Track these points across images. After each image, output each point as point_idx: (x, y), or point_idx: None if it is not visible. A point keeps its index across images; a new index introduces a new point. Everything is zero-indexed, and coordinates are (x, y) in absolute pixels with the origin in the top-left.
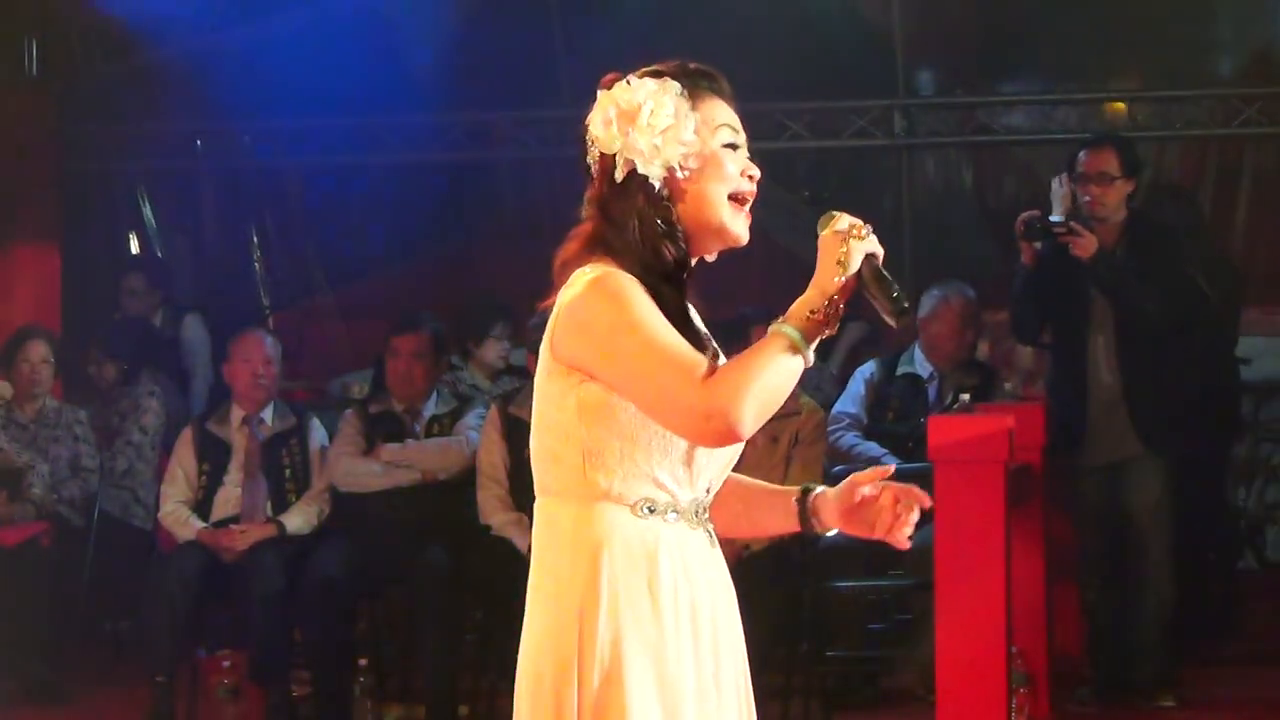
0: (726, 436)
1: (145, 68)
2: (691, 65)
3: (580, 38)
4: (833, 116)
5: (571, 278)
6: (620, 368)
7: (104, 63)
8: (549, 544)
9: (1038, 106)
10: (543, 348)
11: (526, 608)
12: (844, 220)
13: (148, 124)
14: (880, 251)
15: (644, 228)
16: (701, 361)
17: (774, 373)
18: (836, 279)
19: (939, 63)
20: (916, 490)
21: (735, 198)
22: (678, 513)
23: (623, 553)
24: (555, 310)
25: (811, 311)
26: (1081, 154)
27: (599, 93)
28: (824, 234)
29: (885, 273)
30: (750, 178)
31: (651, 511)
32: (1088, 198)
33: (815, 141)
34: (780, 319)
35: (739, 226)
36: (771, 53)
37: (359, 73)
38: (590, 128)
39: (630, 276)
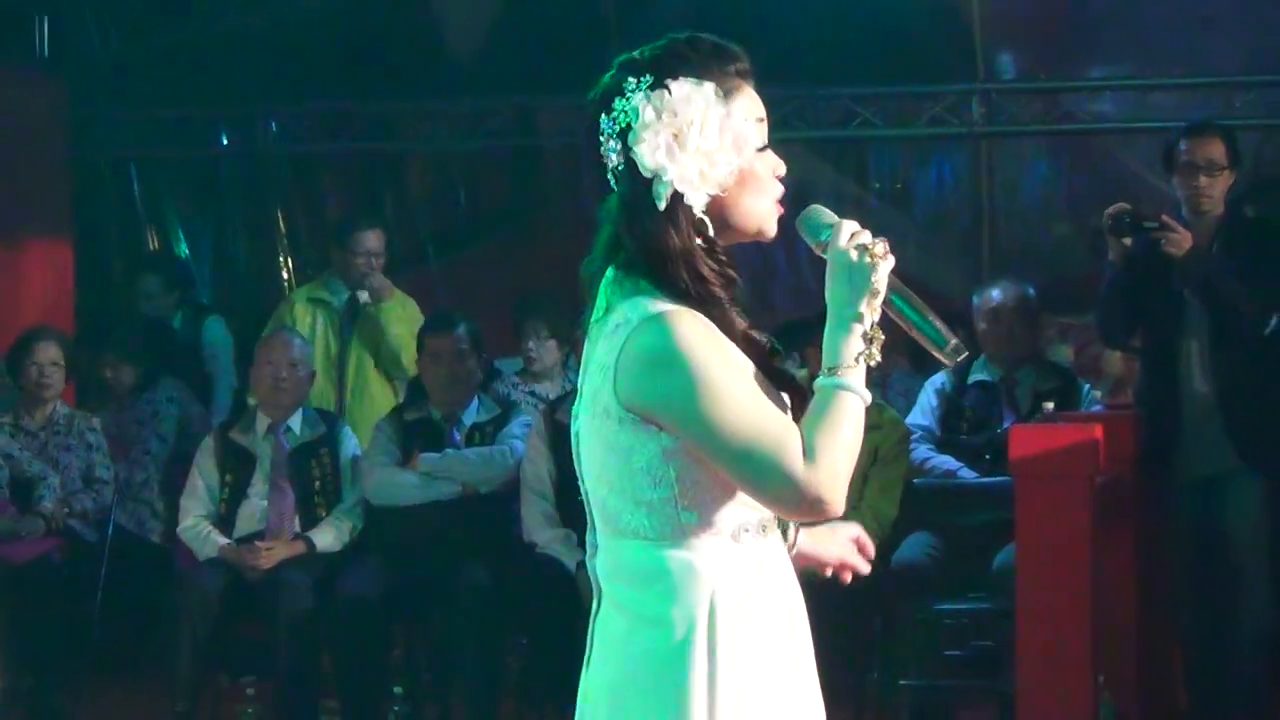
0: (820, 517)
1: (165, 49)
2: (713, 44)
3: (634, 16)
4: (906, 103)
5: (625, 313)
6: (710, 441)
7: (120, 44)
8: (643, 589)
9: (1129, 92)
10: (600, 389)
11: (599, 654)
12: (847, 227)
13: (167, 110)
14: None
15: (686, 255)
16: (795, 433)
17: (857, 443)
18: (871, 309)
19: (1021, 45)
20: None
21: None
22: (765, 525)
23: (736, 586)
24: (616, 353)
25: (860, 355)
26: (1182, 142)
27: (634, 93)
28: (836, 247)
29: (915, 300)
30: (779, 178)
31: (747, 532)
32: (1190, 190)
33: (887, 130)
34: (830, 370)
35: (772, 227)
36: (839, 34)
37: (395, 54)
38: (635, 146)
39: (697, 316)
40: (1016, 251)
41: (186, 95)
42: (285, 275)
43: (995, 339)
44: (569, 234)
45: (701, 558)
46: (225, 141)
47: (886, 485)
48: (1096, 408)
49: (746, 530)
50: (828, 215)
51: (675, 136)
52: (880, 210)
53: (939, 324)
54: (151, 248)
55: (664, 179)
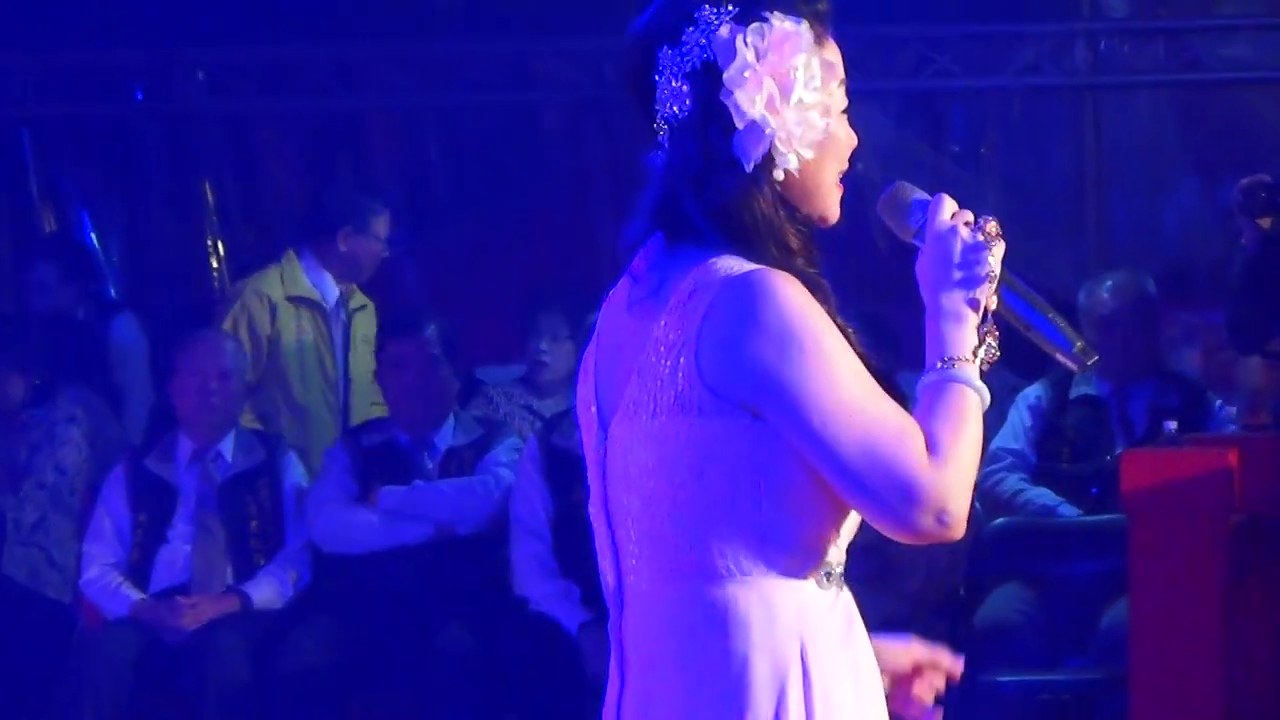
0: (939, 535)
1: None
2: None
3: None
4: (993, 47)
5: (696, 279)
6: (823, 427)
7: None
8: (708, 645)
9: (1270, 34)
10: (667, 379)
11: None
12: (948, 202)
13: (68, 57)
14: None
15: (773, 225)
16: (916, 424)
17: (979, 450)
18: (987, 298)
19: None
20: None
21: None
22: (843, 572)
23: (828, 637)
24: (698, 323)
25: (977, 349)
26: None
27: (716, 25)
28: (940, 224)
29: (1031, 293)
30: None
31: (829, 578)
32: None
33: (969, 80)
34: (944, 362)
35: (835, 208)
36: None
37: None
38: (735, 91)
39: (792, 281)
40: (1130, 232)
41: (92, 39)
42: (214, 263)
43: (1106, 350)
44: (571, 210)
45: (784, 601)
46: (140, 97)
47: None
48: (1230, 428)
49: (829, 574)
50: (919, 192)
51: (781, 82)
52: (961, 179)
53: (1061, 321)
54: (47, 229)
55: (765, 133)
